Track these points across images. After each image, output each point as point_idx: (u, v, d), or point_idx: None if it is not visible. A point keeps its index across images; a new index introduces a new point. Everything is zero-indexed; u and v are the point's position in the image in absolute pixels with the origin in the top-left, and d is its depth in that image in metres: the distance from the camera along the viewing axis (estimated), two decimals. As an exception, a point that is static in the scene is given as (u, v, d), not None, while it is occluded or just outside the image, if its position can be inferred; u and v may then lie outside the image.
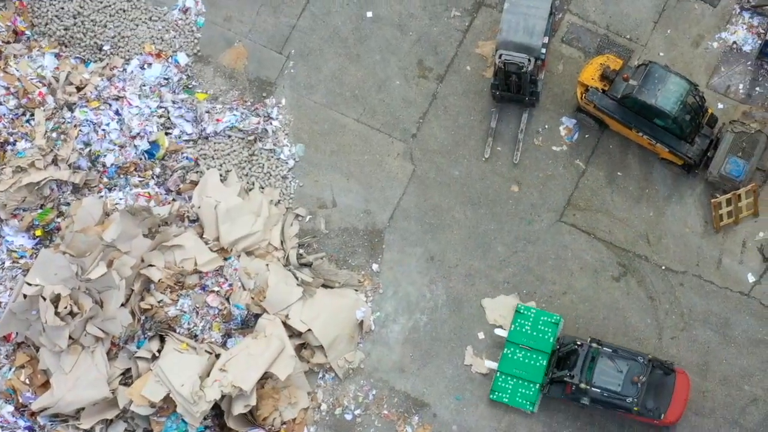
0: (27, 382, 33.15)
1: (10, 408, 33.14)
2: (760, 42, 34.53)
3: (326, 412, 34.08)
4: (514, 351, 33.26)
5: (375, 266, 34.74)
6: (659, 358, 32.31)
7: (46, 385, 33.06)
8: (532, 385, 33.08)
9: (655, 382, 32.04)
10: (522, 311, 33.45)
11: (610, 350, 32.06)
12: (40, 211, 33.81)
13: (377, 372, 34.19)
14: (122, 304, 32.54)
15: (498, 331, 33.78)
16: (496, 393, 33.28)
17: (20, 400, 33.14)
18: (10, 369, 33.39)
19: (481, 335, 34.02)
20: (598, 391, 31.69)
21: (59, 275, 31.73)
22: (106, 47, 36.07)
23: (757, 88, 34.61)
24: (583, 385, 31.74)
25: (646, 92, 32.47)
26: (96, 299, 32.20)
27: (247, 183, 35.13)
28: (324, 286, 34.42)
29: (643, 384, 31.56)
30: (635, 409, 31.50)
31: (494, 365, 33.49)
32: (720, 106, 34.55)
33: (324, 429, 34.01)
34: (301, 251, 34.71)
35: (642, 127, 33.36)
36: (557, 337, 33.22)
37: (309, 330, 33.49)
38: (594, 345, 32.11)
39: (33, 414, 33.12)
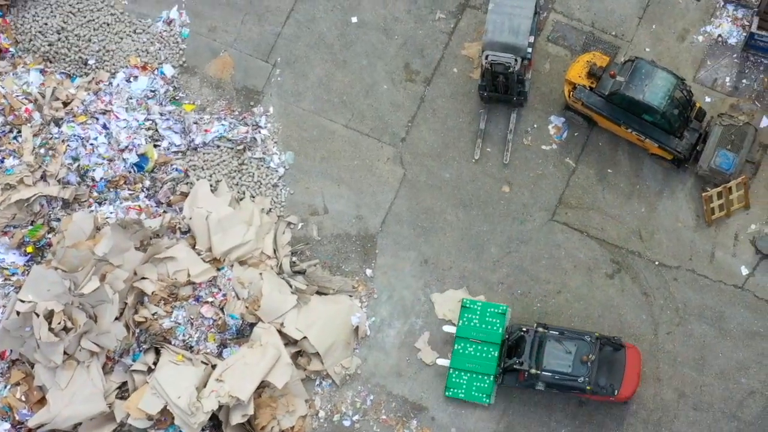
0: (23, 399, 32.97)
1: (7, 426, 32.96)
2: (745, 34, 34.60)
3: (324, 419, 33.97)
4: (464, 346, 33.24)
5: (369, 271, 34.66)
6: (606, 335, 32.33)
7: (42, 401, 32.87)
8: (486, 377, 33.07)
9: (607, 359, 32.06)
10: (468, 305, 33.43)
11: (557, 333, 32.04)
12: (30, 227, 33.69)
13: (374, 377, 34.09)
14: (116, 318, 32.40)
15: (446, 328, 33.76)
16: (451, 390, 33.25)
17: (17, 418, 32.96)
18: (5, 386, 33.20)
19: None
20: (549, 374, 31.69)
21: (52, 291, 31.55)
22: (91, 61, 35.97)
23: (744, 81, 34.65)
24: (533, 371, 31.72)
25: (634, 88, 32.48)
26: (90, 314, 32.05)
27: (238, 192, 35.04)
28: (318, 293, 34.33)
29: (592, 362, 31.55)
30: (588, 388, 31.50)
31: (446, 362, 33.44)
32: (707, 99, 34.59)
33: (323, 436, 34.06)
34: (294, 259, 34.61)
35: (631, 123, 33.36)
36: (506, 326, 33.20)
37: (305, 338, 33.39)
38: (540, 329, 32.11)
39: (30, 431, 32.95)
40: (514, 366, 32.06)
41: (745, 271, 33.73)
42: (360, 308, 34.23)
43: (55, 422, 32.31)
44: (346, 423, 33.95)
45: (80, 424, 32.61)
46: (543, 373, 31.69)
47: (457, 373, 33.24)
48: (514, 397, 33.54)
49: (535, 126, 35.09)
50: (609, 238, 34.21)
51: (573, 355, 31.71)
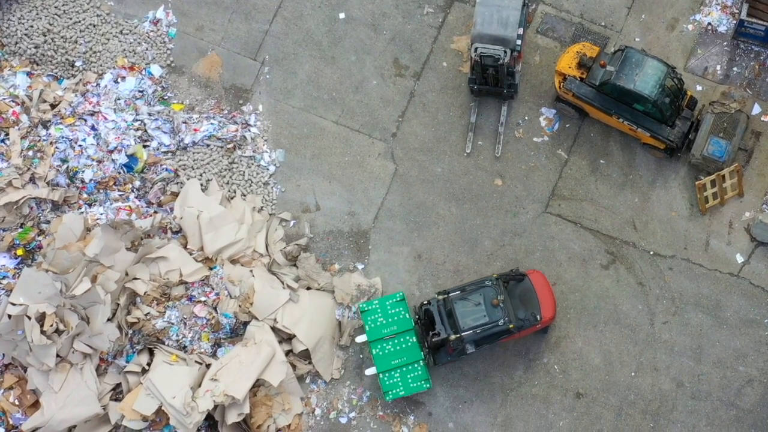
0: (16, 403, 32.69)
1: (1, 430, 32.68)
2: (734, 22, 34.50)
3: (321, 417, 33.72)
4: (382, 347, 32.90)
5: (361, 267, 34.44)
6: (504, 273, 32.24)
7: (36, 405, 32.60)
8: (416, 365, 32.79)
9: (517, 294, 32.07)
10: (366, 308, 33.04)
11: (459, 291, 31.78)
12: (20, 230, 33.41)
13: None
14: (109, 319, 32.13)
15: (359, 339, 33.24)
16: (391, 392, 32.75)
17: (10, 422, 32.68)
18: (-2, 391, 33.05)
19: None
20: (471, 332, 31.43)
21: (43, 293, 31.27)
22: (78, 63, 35.73)
23: (735, 68, 34.55)
24: (453, 336, 31.44)
25: (624, 77, 32.34)
26: (82, 315, 31.77)
27: (229, 191, 34.82)
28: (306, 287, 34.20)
29: (503, 302, 31.42)
30: (511, 327, 31.36)
31: (373, 371, 32.97)
32: (699, 88, 34.49)
33: (319, 434, 33.80)
34: (289, 248, 34.31)
35: (622, 112, 33.22)
36: (410, 310, 33.11)
37: (294, 336, 33.19)
38: (440, 297, 31.83)
39: (24, 435, 32.78)
40: (433, 339, 31.72)
41: (740, 258, 33.60)
42: (342, 303, 33.94)
43: (49, 425, 32.01)
44: (343, 420, 33.71)
45: (75, 426, 32.35)
46: (464, 333, 31.42)
47: (388, 374, 32.79)
48: (510, 390, 33.36)
49: (527, 118, 34.94)
50: (603, 229, 34.06)
51: (483, 304, 31.57)
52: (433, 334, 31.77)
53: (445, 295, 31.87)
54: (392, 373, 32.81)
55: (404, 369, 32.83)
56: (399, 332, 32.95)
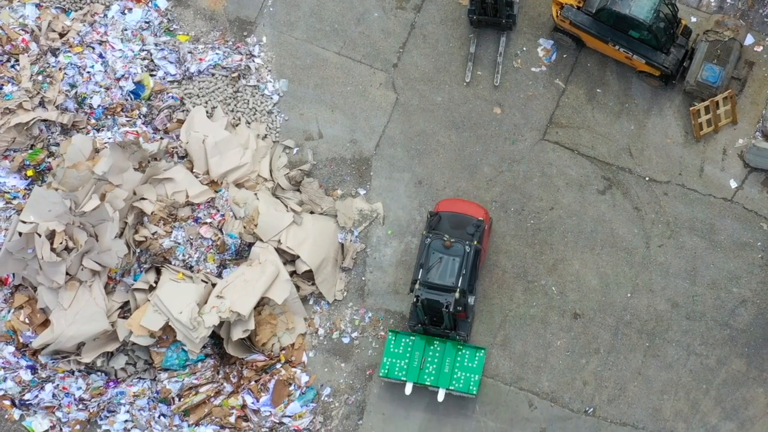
0: (27, 321, 33.34)
1: (11, 349, 33.34)
2: (728, -47, 35.19)
3: (324, 337, 34.42)
4: (428, 374, 33.09)
5: (363, 192, 35.13)
6: (426, 225, 33.32)
7: (45, 324, 33.26)
8: (460, 351, 33.21)
9: (451, 226, 33.06)
10: (384, 372, 33.14)
11: (425, 267, 32.49)
12: (30, 151, 34.08)
13: (372, 295, 34.54)
14: (117, 237, 32.76)
15: (407, 391, 33.20)
16: (471, 387, 32.89)
17: (21, 340, 33.34)
18: (9, 311, 33.57)
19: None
20: (461, 279, 32.34)
21: (53, 211, 31.90)
22: (85, -5, 36.44)
23: (728, 0, 35.23)
24: (457, 295, 32.18)
25: (620, 2, 33.01)
26: (91, 233, 32.42)
27: (234, 119, 35.48)
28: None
29: (451, 239, 32.51)
30: (476, 243, 32.58)
31: (443, 394, 33.09)
32: (693, 19, 35.13)
33: (323, 353, 34.35)
34: (292, 173, 35.00)
35: (618, 40, 33.87)
36: (408, 327, 33.72)
37: (297, 256, 33.87)
38: (417, 287, 32.36)
39: (34, 353, 33.36)
40: (448, 311, 32.21)
41: (733, 184, 34.29)
42: (345, 226, 34.67)
43: (59, 342, 32.72)
44: (345, 340, 34.40)
45: (84, 343, 33.02)
46: (461, 287, 32.28)
47: (454, 381, 32.95)
48: (509, 311, 34.06)
49: (525, 49, 35.62)
50: (599, 156, 34.75)
51: (446, 257, 32.54)
52: (446, 308, 32.19)
53: (416, 282, 32.43)
54: (454, 376, 33.06)
55: (457, 364, 33.12)
56: (424, 352, 33.32)
